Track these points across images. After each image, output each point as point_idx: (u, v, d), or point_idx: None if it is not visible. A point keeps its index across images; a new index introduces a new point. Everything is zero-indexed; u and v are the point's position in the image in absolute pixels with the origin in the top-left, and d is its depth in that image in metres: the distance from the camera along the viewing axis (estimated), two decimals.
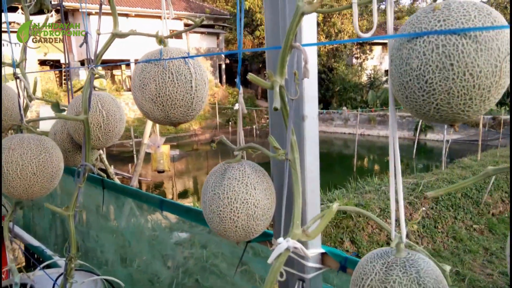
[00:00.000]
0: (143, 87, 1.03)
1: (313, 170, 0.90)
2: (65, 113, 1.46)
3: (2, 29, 1.60)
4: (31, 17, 1.57)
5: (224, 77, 26.93)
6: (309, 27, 0.83)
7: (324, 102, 27.81)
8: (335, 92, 27.77)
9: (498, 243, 9.88)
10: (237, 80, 0.96)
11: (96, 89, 1.45)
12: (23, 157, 1.24)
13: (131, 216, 1.72)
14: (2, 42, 1.53)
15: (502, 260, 9.14)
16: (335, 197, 9.87)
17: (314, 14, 0.81)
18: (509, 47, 0.54)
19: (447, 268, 0.77)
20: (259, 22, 22.14)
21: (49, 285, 1.51)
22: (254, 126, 20.84)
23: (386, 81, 29.67)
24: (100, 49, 1.26)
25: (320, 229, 0.72)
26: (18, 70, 1.49)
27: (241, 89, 0.98)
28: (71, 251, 1.29)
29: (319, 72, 27.19)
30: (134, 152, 13.73)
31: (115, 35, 1.23)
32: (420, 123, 20.56)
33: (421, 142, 21.69)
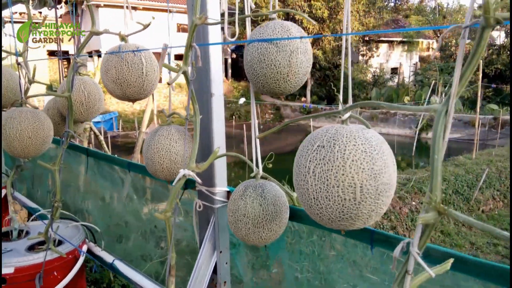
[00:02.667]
0: (107, 72, 1.43)
1: (219, 132, 1.30)
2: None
3: (9, 21, 2.00)
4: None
5: (229, 71, 27.27)
6: (214, 31, 1.22)
7: (328, 98, 27.99)
8: (340, 89, 27.94)
9: (485, 238, 10.17)
10: None
11: (81, 74, 1.85)
12: (21, 124, 1.65)
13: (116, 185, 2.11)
14: (8, 34, 1.94)
15: (487, 254, 9.42)
16: None
17: (218, 24, 1.20)
18: (297, 48, 0.93)
19: (295, 195, 1.16)
20: (264, 17, 22.46)
21: (41, 230, 1.91)
22: (257, 121, 21.24)
23: (390, 78, 29.81)
24: (92, 43, 1.66)
25: (206, 165, 1.12)
26: (20, 59, 1.90)
27: None
28: (56, 197, 1.69)
29: (324, 69, 27.39)
30: None
31: (92, 33, 1.63)
32: (420, 122, 20.72)
33: (422, 140, 21.81)
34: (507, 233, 0.59)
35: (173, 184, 1.12)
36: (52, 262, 1.79)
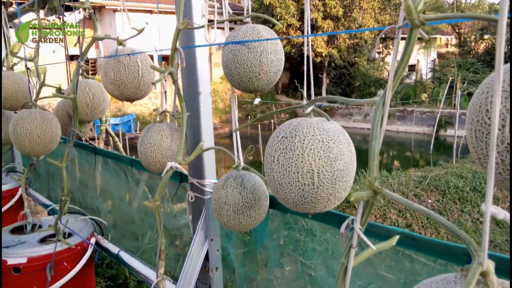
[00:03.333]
0: (106, 74, 1.54)
1: (207, 128, 1.40)
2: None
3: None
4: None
5: None
6: (199, 34, 1.32)
7: (345, 96, 27.79)
8: (355, 87, 27.73)
9: (504, 236, 10.01)
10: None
11: (86, 77, 1.98)
12: (31, 124, 1.78)
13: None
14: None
15: (505, 252, 9.26)
16: None
17: (205, 27, 1.30)
18: (267, 48, 1.02)
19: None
20: (279, 17, 22.51)
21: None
22: (272, 120, 21.33)
23: (407, 75, 29.44)
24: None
25: (191, 158, 1.22)
26: (32, 64, 2.05)
27: None
28: (64, 192, 1.82)
29: (340, 67, 27.26)
30: None
31: (95, 38, 1.75)
32: (438, 119, 20.42)
33: (441, 138, 21.48)
34: (443, 218, 0.66)
35: (162, 175, 1.22)
36: (62, 253, 1.91)
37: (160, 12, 20.72)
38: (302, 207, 0.93)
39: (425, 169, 12.30)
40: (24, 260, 1.85)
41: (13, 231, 2.15)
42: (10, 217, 2.57)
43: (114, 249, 2.02)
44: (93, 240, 2.07)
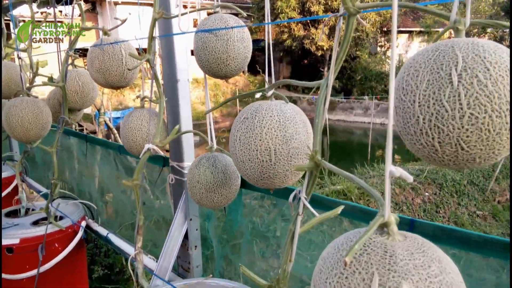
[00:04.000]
0: (91, 63, 1.62)
1: (185, 113, 1.48)
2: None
3: (22, 20, 2.22)
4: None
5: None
6: (176, 23, 1.39)
7: (345, 91, 27.77)
8: (356, 81, 27.68)
9: (500, 229, 10.09)
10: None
11: (76, 67, 2.06)
12: (22, 111, 1.86)
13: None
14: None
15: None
16: (338, 181, 10.23)
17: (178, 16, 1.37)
18: (234, 36, 1.10)
19: None
20: (279, 10, 22.50)
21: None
22: None
23: None
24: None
25: (167, 141, 1.30)
26: (25, 54, 2.12)
27: None
28: (54, 176, 1.91)
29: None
30: None
31: (83, 29, 1.83)
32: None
33: None
34: (377, 193, 0.73)
35: (140, 156, 1.31)
36: (53, 235, 2.01)
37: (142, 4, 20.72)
38: (262, 183, 1.01)
39: (423, 162, 12.35)
40: (17, 241, 1.95)
41: (8, 215, 2.24)
42: (7, 203, 2.67)
43: (103, 231, 2.11)
44: (83, 224, 2.16)
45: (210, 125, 1.31)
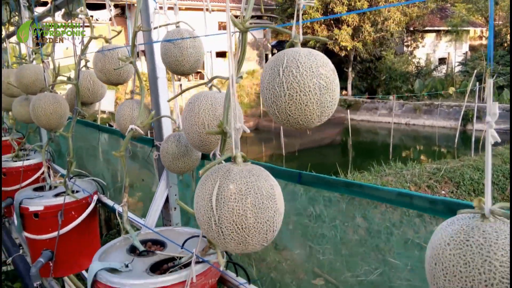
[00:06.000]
0: (95, 64, 2.08)
1: (164, 104, 1.91)
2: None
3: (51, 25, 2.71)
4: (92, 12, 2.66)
5: None
6: (155, 33, 1.83)
7: (370, 91, 27.68)
8: (381, 81, 27.54)
9: None
10: None
11: (89, 68, 2.54)
12: (45, 103, 2.35)
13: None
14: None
15: None
16: (355, 178, 10.44)
17: (151, 30, 1.80)
18: (187, 45, 1.52)
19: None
20: (303, 12, 22.80)
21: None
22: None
23: (435, 69, 28.99)
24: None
25: (146, 123, 1.74)
26: (49, 58, 2.62)
27: None
28: (70, 155, 2.39)
29: (366, 61, 27.20)
30: None
31: (91, 38, 2.30)
32: (464, 113, 20.14)
33: (468, 132, 21.15)
34: None
35: (125, 134, 1.75)
36: (70, 204, 2.48)
37: (187, 9, 21.52)
38: (202, 149, 1.43)
39: (440, 161, 12.37)
40: (41, 208, 2.43)
41: (35, 189, 2.75)
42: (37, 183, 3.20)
43: (110, 203, 2.57)
44: (95, 197, 2.63)
45: (176, 109, 1.74)
